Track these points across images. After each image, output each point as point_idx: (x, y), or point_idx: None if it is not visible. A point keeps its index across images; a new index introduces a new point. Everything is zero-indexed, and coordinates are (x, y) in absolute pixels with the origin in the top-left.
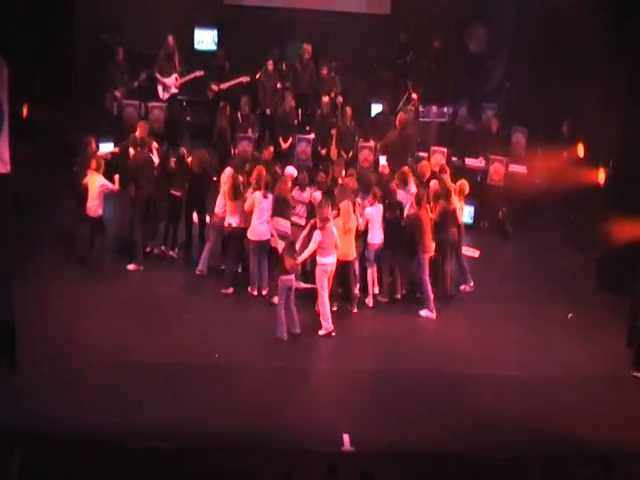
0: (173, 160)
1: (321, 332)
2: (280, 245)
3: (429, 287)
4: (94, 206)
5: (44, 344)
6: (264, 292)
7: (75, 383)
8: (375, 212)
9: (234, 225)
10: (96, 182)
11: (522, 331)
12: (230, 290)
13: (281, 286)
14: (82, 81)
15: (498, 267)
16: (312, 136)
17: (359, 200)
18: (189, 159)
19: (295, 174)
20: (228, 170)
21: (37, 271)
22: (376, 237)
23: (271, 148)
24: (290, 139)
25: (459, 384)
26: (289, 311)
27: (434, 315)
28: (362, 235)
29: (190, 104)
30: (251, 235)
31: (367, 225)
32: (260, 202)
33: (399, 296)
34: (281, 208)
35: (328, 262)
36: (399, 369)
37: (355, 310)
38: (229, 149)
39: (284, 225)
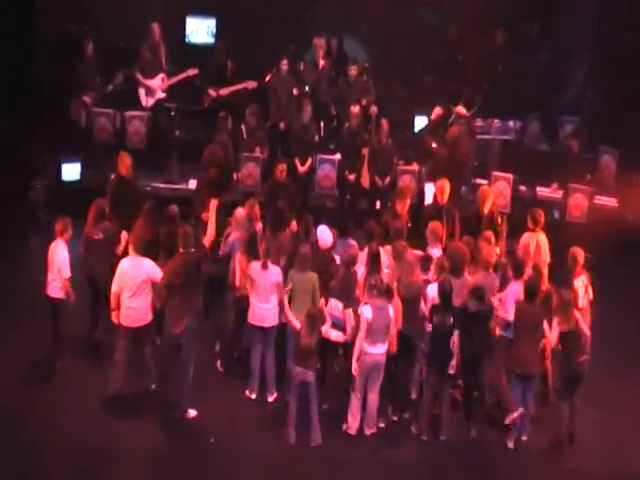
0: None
1: (344, 426)
2: (335, 336)
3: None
4: (51, 283)
5: None
6: (270, 399)
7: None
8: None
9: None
10: (58, 252)
11: (606, 412)
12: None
13: (293, 380)
14: (41, 83)
15: None
16: (338, 157)
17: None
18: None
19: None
20: (240, 212)
21: None
22: None
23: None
24: (309, 160)
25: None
26: (311, 415)
27: (511, 444)
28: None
29: (180, 114)
30: (250, 318)
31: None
32: (259, 275)
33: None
34: (325, 284)
35: (374, 352)
36: (447, 460)
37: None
38: (231, 173)
39: (337, 307)
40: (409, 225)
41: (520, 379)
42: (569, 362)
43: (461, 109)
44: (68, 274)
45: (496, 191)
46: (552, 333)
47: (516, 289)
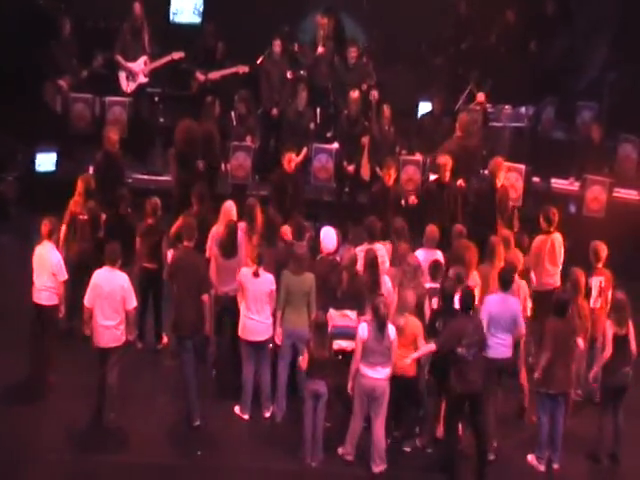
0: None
1: (340, 450)
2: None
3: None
4: (42, 290)
5: None
6: (267, 414)
7: None
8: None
9: (231, 294)
10: (49, 256)
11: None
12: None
13: (306, 393)
14: (12, 66)
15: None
16: (335, 146)
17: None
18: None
19: None
20: (229, 205)
21: None
22: None
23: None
24: (304, 150)
25: None
26: (315, 430)
27: (543, 467)
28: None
29: (165, 99)
30: (242, 332)
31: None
32: (250, 284)
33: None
34: (329, 294)
35: (372, 376)
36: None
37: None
38: (219, 164)
39: (342, 320)
40: (401, 202)
41: (550, 399)
42: (612, 370)
43: (481, 96)
44: (65, 276)
45: (507, 183)
46: (607, 342)
47: (492, 301)
